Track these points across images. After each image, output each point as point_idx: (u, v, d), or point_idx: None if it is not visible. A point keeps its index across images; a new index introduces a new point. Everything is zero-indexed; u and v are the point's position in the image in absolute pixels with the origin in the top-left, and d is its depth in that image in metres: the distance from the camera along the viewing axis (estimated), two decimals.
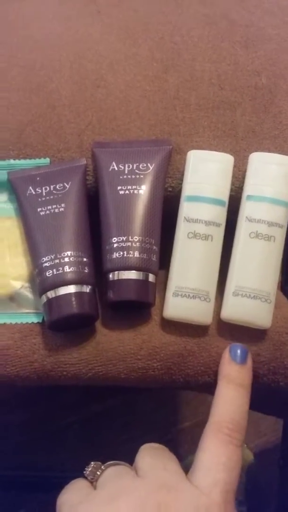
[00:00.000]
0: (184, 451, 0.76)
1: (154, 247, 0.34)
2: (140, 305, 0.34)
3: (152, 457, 0.29)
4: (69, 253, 0.33)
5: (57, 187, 0.35)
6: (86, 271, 0.33)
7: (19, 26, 0.41)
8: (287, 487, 0.54)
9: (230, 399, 0.31)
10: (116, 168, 0.35)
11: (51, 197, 0.35)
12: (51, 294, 0.32)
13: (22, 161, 0.37)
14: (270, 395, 0.37)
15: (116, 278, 0.33)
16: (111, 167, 0.35)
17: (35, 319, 0.34)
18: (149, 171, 0.35)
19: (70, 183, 0.35)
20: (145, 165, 0.35)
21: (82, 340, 0.34)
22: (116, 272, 0.33)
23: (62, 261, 0.33)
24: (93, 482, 0.29)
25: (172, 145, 0.36)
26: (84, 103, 0.38)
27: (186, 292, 0.33)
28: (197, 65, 0.39)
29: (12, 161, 0.37)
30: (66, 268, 0.32)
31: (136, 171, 0.35)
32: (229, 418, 0.30)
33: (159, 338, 0.34)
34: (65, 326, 0.33)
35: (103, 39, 0.40)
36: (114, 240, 0.33)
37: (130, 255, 0.33)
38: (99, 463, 0.30)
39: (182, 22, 0.41)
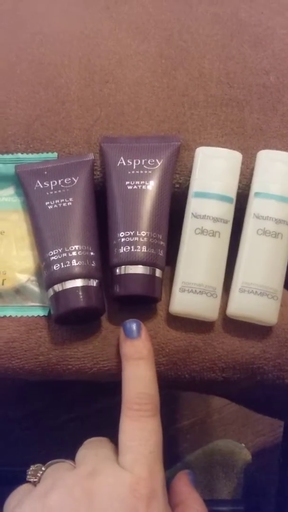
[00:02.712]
0: (182, 449, 0.76)
1: (161, 242, 0.34)
2: (146, 300, 0.34)
3: (87, 448, 0.30)
4: (76, 247, 0.33)
5: (65, 181, 0.35)
6: (93, 265, 0.33)
7: (29, 21, 0.41)
8: (286, 485, 0.54)
9: (132, 375, 0.31)
10: (124, 163, 0.35)
11: (59, 191, 0.35)
12: (58, 287, 0.32)
13: (30, 155, 0.37)
14: (274, 394, 0.37)
15: (123, 272, 0.33)
16: (119, 162, 0.35)
17: (41, 313, 0.34)
18: (157, 166, 0.35)
19: (78, 177, 0.35)
20: (153, 160, 0.35)
21: (87, 334, 0.34)
22: (123, 266, 0.33)
23: (69, 255, 0.33)
24: (35, 484, 0.30)
25: (180, 141, 0.36)
26: (93, 99, 0.38)
27: (193, 288, 0.33)
28: (206, 62, 0.39)
29: (20, 155, 0.37)
30: (74, 262, 0.32)
31: (145, 166, 0.35)
32: (135, 393, 0.30)
33: (165, 333, 0.34)
34: (71, 320, 0.33)
35: (112, 35, 0.40)
36: (122, 234, 0.33)
37: (137, 250, 0.33)
38: (40, 464, 0.30)
39: (191, 20, 0.41)
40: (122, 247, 0.33)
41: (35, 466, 0.30)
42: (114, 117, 0.37)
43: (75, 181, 0.35)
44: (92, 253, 0.33)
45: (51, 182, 0.35)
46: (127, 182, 0.34)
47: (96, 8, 0.42)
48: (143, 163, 0.35)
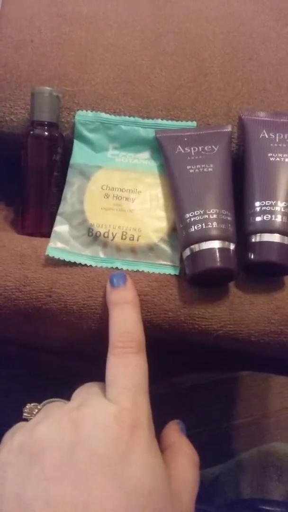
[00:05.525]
0: (236, 446, 0.76)
1: None
2: (278, 270, 0.34)
3: (80, 388, 0.31)
4: (216, 210, 0.34)
5: (206, 148, 0.36)
6: (230, 229, 0.34)
7: None
8: None
9: (117, 318, 0.32)
10: (266, 136, 0.36)
11: (200, 157, 0.36)
12: (195, 247, 0.33)
13: (169, 122, 0.38)
14: None
15: (258, 240, 0.34)
16: (262, 135, 0.36)
17: (172, 271, 0.35)
18: None
19: (218, 146, 0.36)
20: None
21: (216, 298, 0.34)
22: (258, 234, 0.34)
23: (210, 217, 0.34)
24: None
25: None
26: (235, 73, 0.39)
27: None
28: None
29: (159, 121, 0.38)
30: (215, 224, 0.33)
31: (287, 140, 0.35)
32: (119, 333, 0.31)
33: None
34: (202, 281, 0.34)
35: (256, 17, 0.41)
36: (258, 204, 0.34)
37: (276, 219, 0.34)
38: (36, 403, 0.32)
39: None
40: (259, 216, 0.34)
41: (31, 404, 0.32)
42: (255, 92, 0.38)
43: (215, 149, 0.36)
44: (229, 218, 0.34)
45: (192, 148, 0.36)
46: (269, 154, 0.35)
47: None
48: (286, 138, 0.36)
